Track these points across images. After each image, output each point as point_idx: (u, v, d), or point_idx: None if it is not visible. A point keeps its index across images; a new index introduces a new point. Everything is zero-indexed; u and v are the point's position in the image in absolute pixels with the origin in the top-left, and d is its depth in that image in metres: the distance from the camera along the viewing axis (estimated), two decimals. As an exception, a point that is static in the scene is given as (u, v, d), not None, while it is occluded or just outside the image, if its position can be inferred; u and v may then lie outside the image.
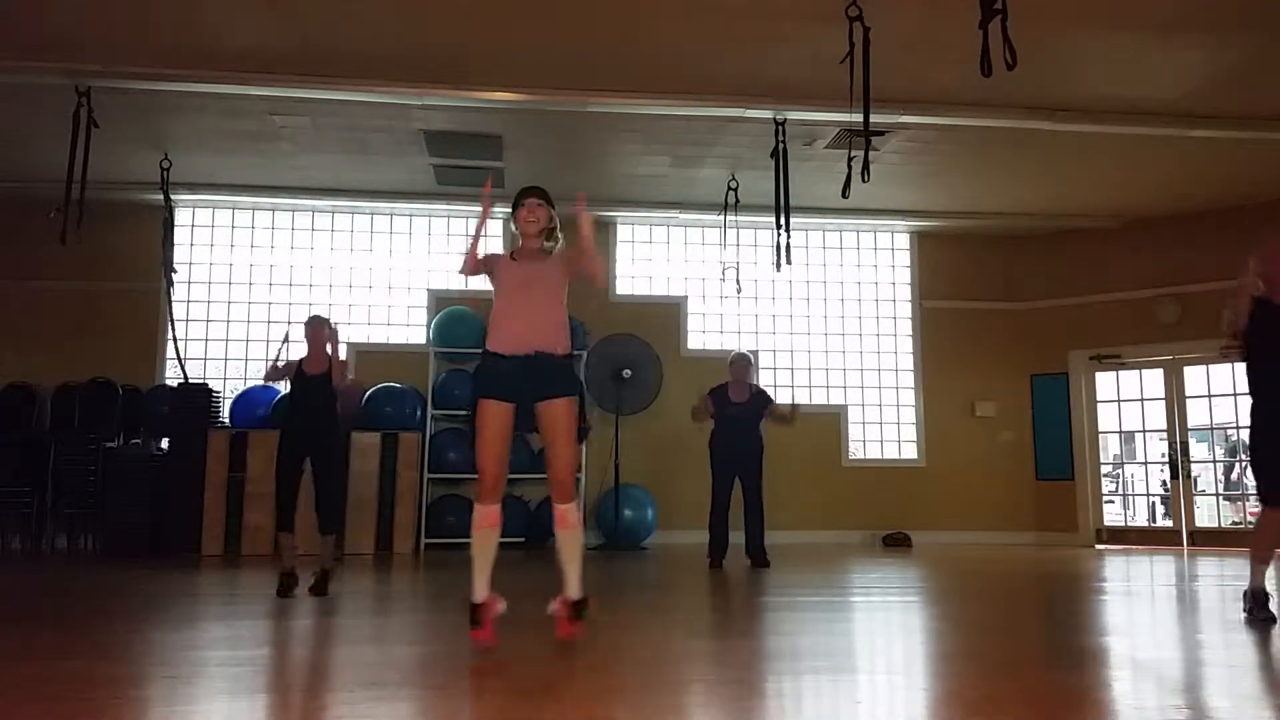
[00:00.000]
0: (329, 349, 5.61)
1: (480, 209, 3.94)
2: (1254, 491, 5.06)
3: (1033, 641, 4.27)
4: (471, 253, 3.80)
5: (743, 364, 7.65)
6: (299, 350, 5.70)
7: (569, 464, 3.74)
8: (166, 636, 4.20)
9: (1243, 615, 4.41)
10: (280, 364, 5.68)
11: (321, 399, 5.59)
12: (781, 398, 8.05)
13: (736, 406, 7.42)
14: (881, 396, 10.52)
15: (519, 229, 3.83)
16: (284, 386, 5.71)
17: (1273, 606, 4.36)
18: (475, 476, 3.72)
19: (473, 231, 4.07)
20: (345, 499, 8.16)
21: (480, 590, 3.60)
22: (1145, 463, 10.85)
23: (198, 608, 5.16)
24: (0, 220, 9.12)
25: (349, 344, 8.94)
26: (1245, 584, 4.50)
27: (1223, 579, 6.73)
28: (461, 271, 3.83)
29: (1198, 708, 2.92)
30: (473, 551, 3.65)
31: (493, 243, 10.11)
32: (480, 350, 3.90)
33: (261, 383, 5.74)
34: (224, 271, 9.82)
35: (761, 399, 7.56)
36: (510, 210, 3.91)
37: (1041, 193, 9.39)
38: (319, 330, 5.64)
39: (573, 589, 3.71)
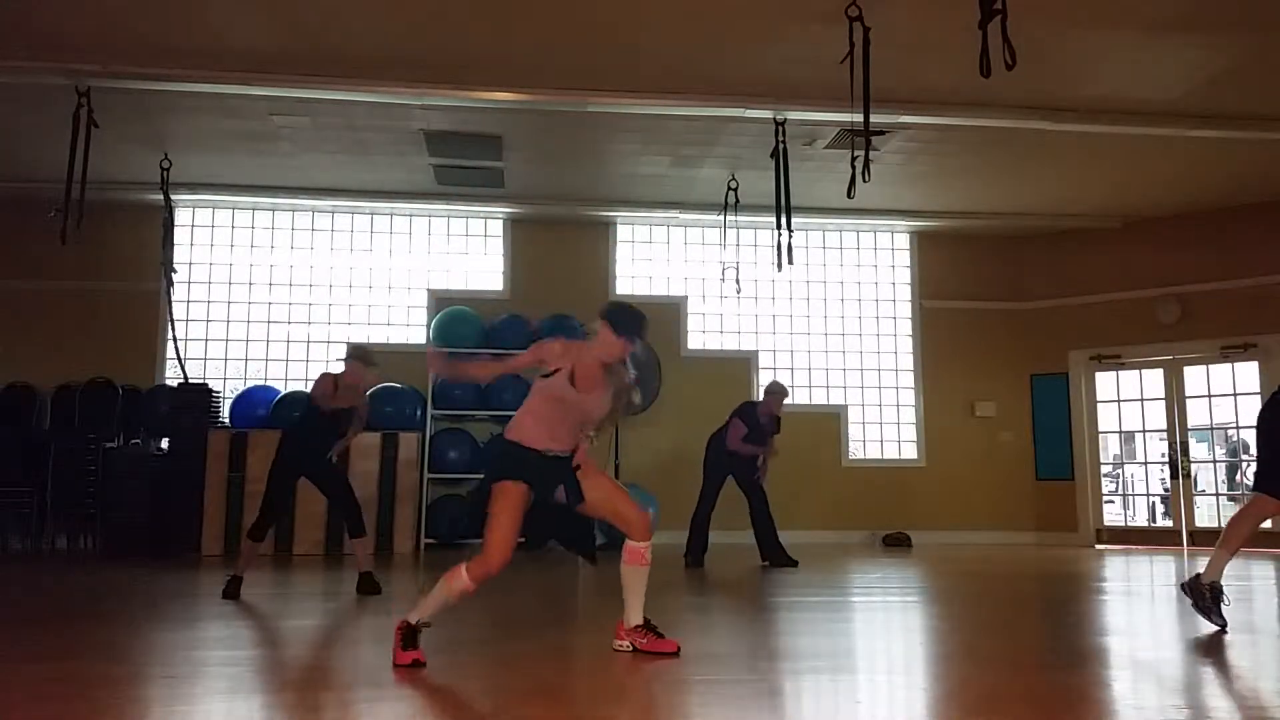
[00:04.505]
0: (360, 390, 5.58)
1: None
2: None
3: (1033, 641, 4.27)
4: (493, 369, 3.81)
5: (781, 396, 7.79)
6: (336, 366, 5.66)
7: (634, 504, 3.72)
8: (166, 636, 4.20)
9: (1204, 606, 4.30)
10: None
11: (336, 431, 5.59)
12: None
13: (762, 427, 7.62)
14: (881, 396, 10.51)
15: (604, 353, 3.59)
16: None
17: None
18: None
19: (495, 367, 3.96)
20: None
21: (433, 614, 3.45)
22: (1145, 463, 10.84)
23: (198, 608, 5.16)
24: (0, 220, 9.13)
25: (349, 344, 8.92)
26: (1243, 583, 4.49)
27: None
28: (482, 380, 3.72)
29: (1198, 708, 2.92)
30: (442, 595, 3.41)
31: (493, 244, 10.13)
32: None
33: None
34: (224, 271, 9.82)
35: (773, 426, 7.71)
36: (621, 333, 3.57)
37: (1041, 193, 9.39)
38: (359, 369, 5.56)
39: (634, 617, 3.67)
